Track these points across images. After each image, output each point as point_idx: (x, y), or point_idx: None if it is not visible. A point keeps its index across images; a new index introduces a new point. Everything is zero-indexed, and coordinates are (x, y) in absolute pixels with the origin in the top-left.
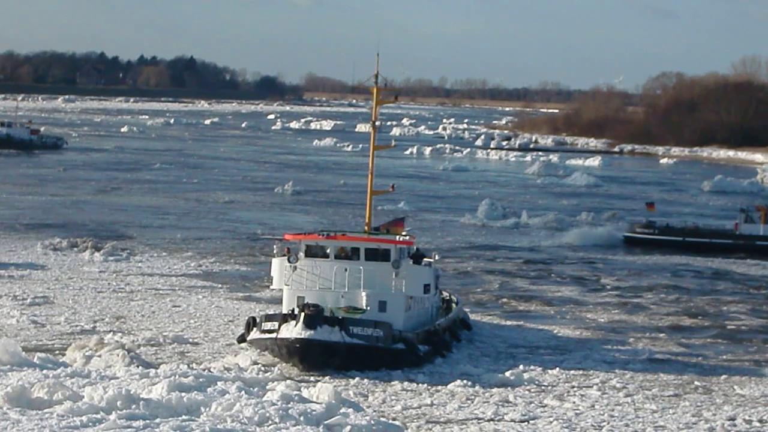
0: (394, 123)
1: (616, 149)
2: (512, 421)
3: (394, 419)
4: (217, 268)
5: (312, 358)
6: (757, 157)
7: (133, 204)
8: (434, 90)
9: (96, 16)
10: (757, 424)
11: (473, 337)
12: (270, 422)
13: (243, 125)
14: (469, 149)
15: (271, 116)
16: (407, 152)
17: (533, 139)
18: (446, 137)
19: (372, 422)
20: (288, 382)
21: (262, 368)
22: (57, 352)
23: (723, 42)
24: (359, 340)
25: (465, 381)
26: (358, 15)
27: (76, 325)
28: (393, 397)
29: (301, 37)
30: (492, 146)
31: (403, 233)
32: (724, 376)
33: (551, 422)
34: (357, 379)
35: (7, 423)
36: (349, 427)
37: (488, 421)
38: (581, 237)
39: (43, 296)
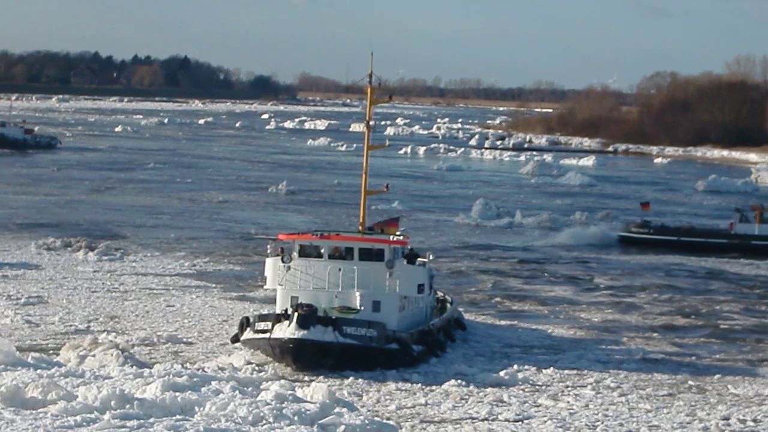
0: (389, 123)
1: (610, 149)
2: (506, 420)
3: (388, 419)
4: (211, 267)
5: (305, 358)
6: (751, 156)
7: (127, 204)
8: (428, 90)
9: (90, 16)
10: (752, 424)
11: (468, 337)
12: (264, 422)
13: (237, 125)
14: (463, 149)
15: (265, 116)
16: (401, 152)
17: (527, 138)
18: (440, 137)
19: (366, 422)
20: (282, 381)
21: (256, 368)
22: (51, 351)
23: (717, 41)
24: (353, 340)
25: (459, 381)
26: (352, 14)
27: (70, 325)
28: (387, 397)
29: (295, 36)
30: (486, 146)
31: (397, 233)
32: (717, 376)
33: (545, 422)
34: (351, 378)
35: (1, 423)
36: (343, 427)
37: (482, 420)
38: (576, 236)
39: (37, 296)
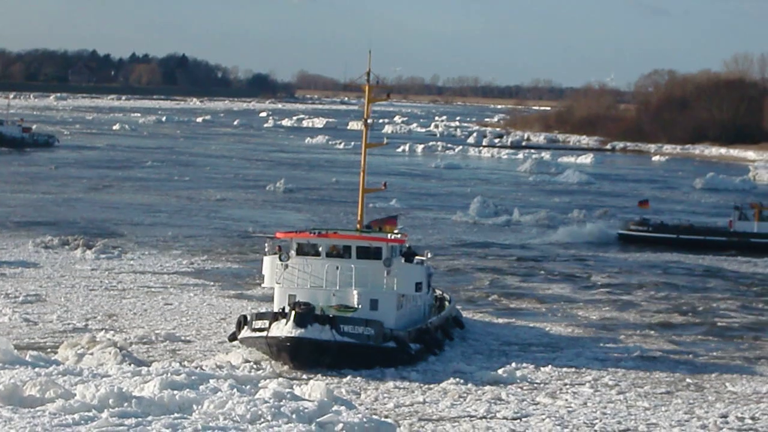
0: (386, 121)
1: (608, 147)
2: (504, 418)
3: (386, 417)
4: (209, 265)
5: (302, 356)
6: (749, 154)
7: (124, 202)
8: (426, 87)
9: (88, 14)
10: (750, 422)
11: (466, 335)
12: (262, 420)
13: (235, 123)
14: (461, 147)
15: (263, 114)
16: (399, 150)
17: (525, 136)
18: (438, 135)
19: (364, 420)
20: (280, 379)
21: (254, 366)
22: (49, 350)
23: (715, 39)
24: (350, 339)
25: (457, 379)
26: (350, 13)
27: (69, 323)
28: (385, 395)
29: (293, 34)
30: (484, 144)
31: (395, 231)
32: (715, 374)
33: (543, 420)
34: (349, 376)
35: None
36: (341, 425)
37: (480, 418)
38: (575, 234)
39: (35, 294)
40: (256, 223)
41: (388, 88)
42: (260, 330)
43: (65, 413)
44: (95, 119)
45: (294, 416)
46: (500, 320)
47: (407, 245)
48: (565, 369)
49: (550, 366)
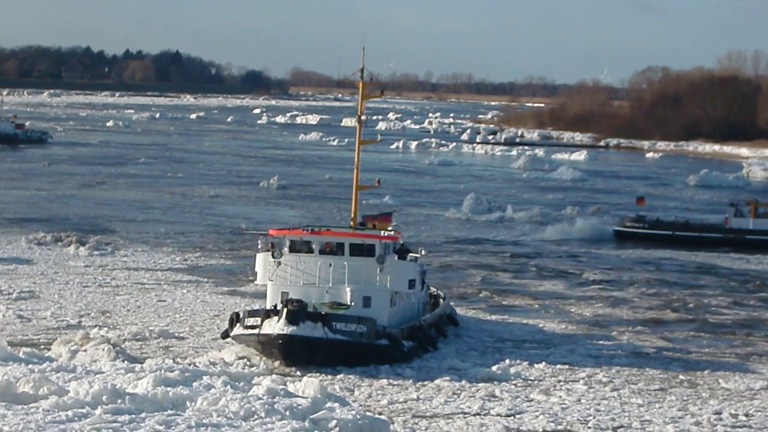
0: (380, 117)
1: (602, 143)
2: (498, 415)
3: (380, 413)
4: (203, 262)
5: (294, 354)
6: (743, 151)
7: (118, 198)
8: (420, 84)
9: (81, 11)
10: (743, 418)
11: (460, 332)
12: (256, 417)
13: (228, 119)
14: (454, 143)
15: (257, 110)
16: (393, 147)
17: (519, 133)
18: (432, 131)
19: (358, 416)
20: (274, 376)
21: (248, 363)
22: (43, 346)
23: (709, 36)
24: (342, 336)
25: (451, 375)
26: (343, 9)
27: (62, 320)
28: (379, 392)
29: (287, 31)
30: (478, 140)
31: (389, 228)
32: (709, 371)
33: (537, 416)
34: (343, 373)
35: None
36: (334, 422)
37: (474, 415)
38: (566, 232)
39: (28, 291)
40: (249, 219)
41: (381, 85)
42: (252, 327)
43: (59, 410)
44: (89, 116)
45: (287, 413)
46: (494, 317)
47: (400, 242)
48: (558, 366)
49: (543, 363)
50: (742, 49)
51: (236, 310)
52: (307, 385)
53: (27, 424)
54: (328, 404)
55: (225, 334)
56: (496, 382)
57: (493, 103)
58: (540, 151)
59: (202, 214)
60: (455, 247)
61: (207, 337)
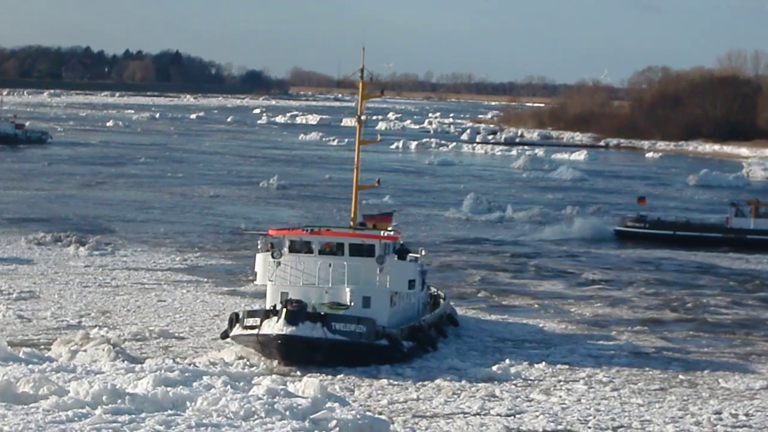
0: (380, 117)
1: (602, 143)
2: (498, 415)
3: (380, 413)
4: (202, 262)
5: (293, 354)
6: (743, 151)
7: (117, 198)
8: (420, 84)
9: (82, 11)
10: (744, 418)
11: (460, 332)
12: (256, 417)
13: (228, 119)
14: (454, 143)
15: (257, 110)
16: (393, 147)
17: (519, 133)
18: (432, 131)
19: (358, 416)
20: (274, 376)
21: (248, 363)
22: (43, 346)
23: (708, 36)
24: (341, 336)
25: (451, 375)
26: (343, 9)
27: (62, 320)
28: (379, 392)
29: (287, 31)
30: (478, 140)
31: (389, 228)
32: (709, 371)
33: (537, 416)
34: (343, 373)
35: None
36: (334, 422)
37: (474, 415)
38: (564, 232)
39: (29, 291)
40: (249, 219)
41: (381, 85)
42: (252, 328)
43: (59, 410)
44: (89, 116)
45: (287, 413)
46: (494, 317)
47: (400, 242)
48: (558, 366)
49: (543, 363)
50: (742, 49)
51: (236, 311)
52: (307, 385)
53: (27, 424)
54: (328, 404)
55: (224, 335)
56: (496, 382)
57: (493, 103)
58: (540, 151)
59: (202, 214)
60: (455, 247)
61: (207, 337)
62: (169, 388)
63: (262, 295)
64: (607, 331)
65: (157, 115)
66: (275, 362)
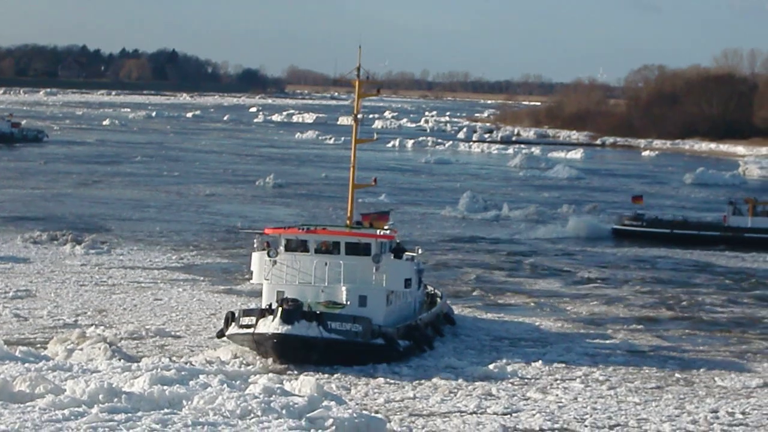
0: (377, 116)
1: (598, 142)
2: (495, 414)
3: (376, 412)
4: (199, 261)
5: (289, 353)
6: (739, 149)
7: (114, 197)
8: (416, 83)
9: (78, 9)
10: (740, 416)
11: (457, 331)
12: (252, 415)
13: (225, 118)
14: (451, 142)
15: (253, 109)
16: (389, 145)
17: (515, 131)
18: (428, 130)
19: (354, 415)
20: (270, 375)
21: (244, 361)
22: (39, 345)
23: (705, 35)
24: (337, 335)
25: (448, 374)
26: (340, 8)
27: (59, 319)
28: (376, 390)
29: (284, 29)
30: (474, 139)
31: (386, 227)
32: (705, 369)
33: (534, 415)
34: (340, 372)
35: None
36: (331, 420)
37: (471, 414)
38: (563, 231)
39: (25, 289)
40: (245, 218)
41: (378, 84)
42: (247, 326)
43: (55, 408)
44: (85, 114)
45: (284, 411)
46: (490, 315)
47: (397, 241)
48: (555, 364)
49: (540, 361)
50: (738, 47)
51: (232, 310)
52: (304, 384)
53: (23, 423)
54: (325, 403)
55: (220, 334)
56: (492, 381)
57: (489, 102)
58: (536, 150)
59: (198, 212)
60: (451, 246)
61: (203, 335)
62: (165, 387)
63: (258, 294)
64: (604, 329)
65: (154, 114)
66: (270, 360)
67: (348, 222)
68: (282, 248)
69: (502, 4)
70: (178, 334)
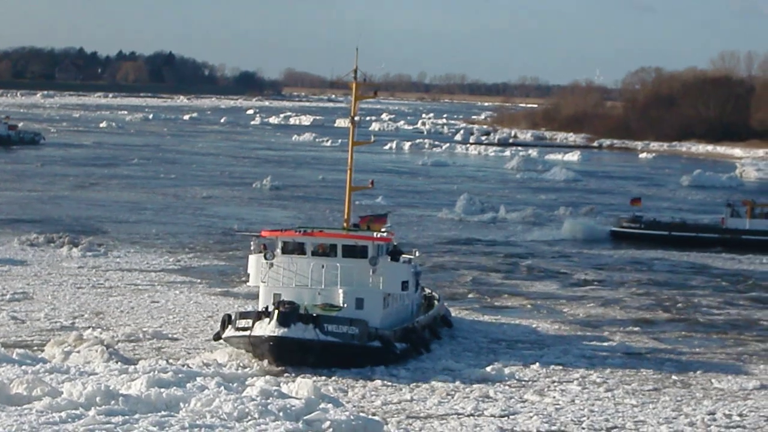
0: (374, 118)
1: (595, 144)
2: (492, 416)
3: (374, 414)
4: (195, 263)
5: (285, 355)
6: (736, 151)
7: (110, 199)
8: (413, 85)
9: (75, 12)
10: (737, 418)
11: (454, 333)
12: (249, 418)
13: (222, 120)
14: (448, 144)
15: (250, 111)
16: (386, 147)
17: (512, 134)
18: (425, 132)
19: (351, 417)
20: (267, 377)
21: (241, 364)
22: (36, 348)
23: (702, 37)
24: (334, 338)
25: (445, 376)
26: (337, 10)
27: (56, 321)
28: (373, 393)
29: (281, 32)
30: (471, 141)
31: (383, 229)
32: (702, 371)
33: (531, 417)
34: (337, 374)
35: None
36: (328, 423)
37: (468, 416)
38: (558, 233)
39: (22, 292)
40: (241, 220)
41: (375, 86)
42: (244, 329)
43: (52, 411)
44: (82, 117)
45: (281, 414)
46: (487, 317)
47: (394, 244)
48: (552, 366)
49: (537, 363)
50: (735, 49)
51: (228, 312)
52: (301, 386)
53: (20, 426)
54: (322, 405)
55: (217, 336)
56: (490, 383)
57: (486, 104)
58: (533, 152)
59: (194, 215)
60: (448, 248)
61: (200, 338)
62: (162, 389)
63: (255, 297)
64: (600, 331)
65: (150, 116)
66: (267, 363)
67: (345, 224)
68: (279, 251)
69: (498, 7)
70: (175, 336)
